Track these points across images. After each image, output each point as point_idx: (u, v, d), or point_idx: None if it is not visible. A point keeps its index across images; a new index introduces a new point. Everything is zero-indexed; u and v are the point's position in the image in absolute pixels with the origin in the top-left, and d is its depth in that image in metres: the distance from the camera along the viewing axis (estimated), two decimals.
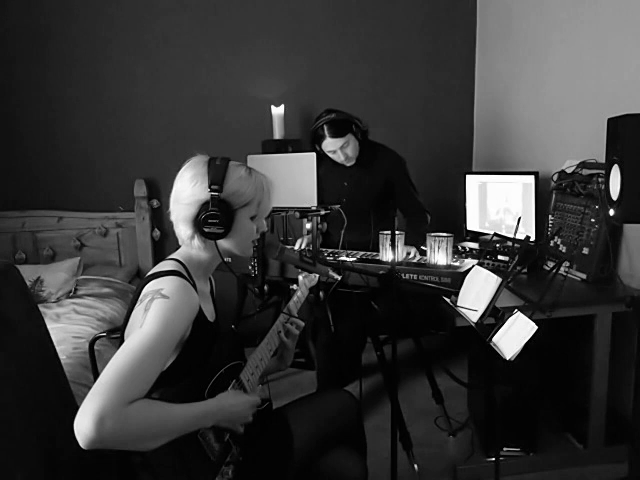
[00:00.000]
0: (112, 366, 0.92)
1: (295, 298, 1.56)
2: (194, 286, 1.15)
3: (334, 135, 2.27)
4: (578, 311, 1.98)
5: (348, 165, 2.40)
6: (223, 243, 1.20)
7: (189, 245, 1.21)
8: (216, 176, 1.16)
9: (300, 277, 1.65)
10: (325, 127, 2.28)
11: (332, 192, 2.43)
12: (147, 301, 1.04)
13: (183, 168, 1.21)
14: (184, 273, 1.15)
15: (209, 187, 1.15)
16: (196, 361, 1.13)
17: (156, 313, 1.01)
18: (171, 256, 1.22)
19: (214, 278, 1.38)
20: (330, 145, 2.30)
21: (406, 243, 2.15)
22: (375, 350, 2.13)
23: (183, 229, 1.20)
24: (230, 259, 1.72)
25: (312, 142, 2.36)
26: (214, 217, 1.15)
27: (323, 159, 2.41)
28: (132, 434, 0.89)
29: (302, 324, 1.46)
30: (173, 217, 1.21)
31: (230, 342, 1.28)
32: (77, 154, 3.18)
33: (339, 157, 2.34)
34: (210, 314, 1.25)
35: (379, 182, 2.41)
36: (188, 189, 1.17)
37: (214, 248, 1.20)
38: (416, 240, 2.21)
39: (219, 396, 1.12)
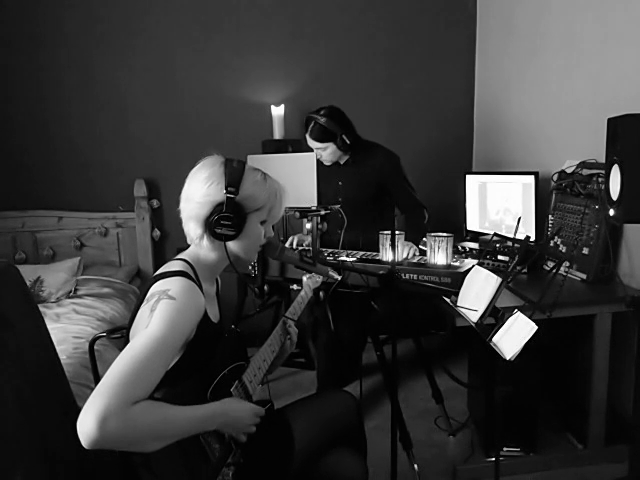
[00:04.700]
0: (116, 366, 0.92)
1: (299, 299, 1.56)
2: (200, 287, 1.15)
3: (315, 138, 2.32)
4: (578, 311, 1.98)
5: (326, 164, 2.42)
6: (231, 245, 1.20)
7: (198, 245, 1.21)
8: (233, 178, 1.15)
9: (304, 278, 1.65)
10: (310, 125, 2.31)
11: (327, 191, 2.44)
12: (153, 301, 1.04)
13: (197, 167, 1.20)
14: (191, 274, 1.15)
15: (225, 189, 1.14)
16: (200, 362, 1.13)
17: (162, 314, 1.01)
18: (179, 256, 1.22)
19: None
20: (308, 140, 2.37)
21: (405, 239, 2.15)
22: (375, 350, 2.13)
23: (193, 227, 1.19)
24: None
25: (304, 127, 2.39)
26: (226, 219, 1.14)
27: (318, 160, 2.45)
28: (135, 435, 0.89)
29: (296, 330, 1.46)
30: (184, 215, 1.20)
31: (233, 343, 1.28)
32: (77, 154, 3.18)
33: (316, 154, 2.35)
34: (214, 316, 1.25)
35: (373, 180, 2.41)
36: (203, 188, 1.16)
37: (222, 249, 1.19)
38: (415, 236, 2.21)
39: (223, 400, 1.11)
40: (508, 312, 1.29)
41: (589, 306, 1.98)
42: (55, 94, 3.12)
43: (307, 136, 2.34)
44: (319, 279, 1.69)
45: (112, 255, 3.24)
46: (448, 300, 1.49)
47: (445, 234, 1.94)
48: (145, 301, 1.07)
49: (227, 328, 1.32)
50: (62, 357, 1.44)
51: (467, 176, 2.86)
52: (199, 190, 1.16)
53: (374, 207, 2.46)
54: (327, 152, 2.35)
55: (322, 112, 2.30)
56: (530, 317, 1.21)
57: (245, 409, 1.14)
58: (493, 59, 3.26)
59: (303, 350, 2.94)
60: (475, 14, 3.40)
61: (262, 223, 1.23)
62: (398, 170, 2.45)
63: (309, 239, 2.20)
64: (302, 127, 2.39)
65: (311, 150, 2.41)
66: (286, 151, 2.91)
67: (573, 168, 2.27)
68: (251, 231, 1.20)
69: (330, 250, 2.24)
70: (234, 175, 1.16)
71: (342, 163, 2.45)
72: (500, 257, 2.27)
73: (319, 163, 2.46)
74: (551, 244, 2.33)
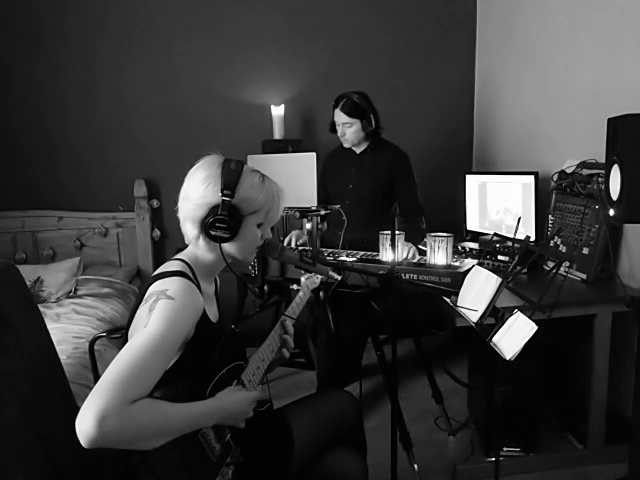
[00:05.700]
0: (115, 365, 0.92)
1: (297, 299, 1.56)
2: (199, 287, 1.15)
3: (344, 111, 2.39)
4: (578, 311, 1.98)
5: (346, 146, 2.49)
6: (227, 247, 1.20)
7: (195, 245, 1.21)
8: (229, 180, 1.15)
9: (303, 279, 1.65)
10: (343, 100, 2.39)
11: (340, 177, 2.51)
12: (152, 301, 1.04)
13: (196, 166, 1.20)
14: (189, 274, 1.15)
15: (221, 191, 1.14)
16: (199, 361, 1.13)
17: (161, 313, 1.01)
18: (177, 256, 1.22)
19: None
20: (336, 115, 2.43)
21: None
22: (375, 350, 2.13)
23: (190, 228, 1.19)
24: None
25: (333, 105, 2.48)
26: (222, 221, 1.14)
27: (337, 146, 2.57)
28: (134, 433, 0.90)
29: (292, 331, 1.45)
30: (181, 214, 1.21)
31: (232, 343, 1.28)
32: (77, 154, 3.18)
33: (338, 130, 2.45)
34: (213, 315, 1.25)
35: (383, 175, 2.46)
36: (200, 189, 1.16)
37: (218, 250, 1.20)
38: (412, 238, 2.21)
39: (219, 394, 1.12)
40: (508, 312, 1.29)
41: (589, 306, 1.98)
42: (55, 94, 3.12)
43: (337, 111, 2.41)
44: (317, 280, 1.69)
45: (112, 255, 3.24)
46: (448, 300, 1.49)
47: (445, 234, 1.94)
48: (144, 301, 1.07)
49: (226, 328, 1.32)
50: (62, 357, 1.44)
51: (467, 176, 2.86)
52: (196, 191, 1.16)
53: (381, 204, 2.49)
54: (351, 130, 2.41)
55: (355, 91, 2.41)
56: (530, 317, 1.21)
57: (240, 399, 1.14)
58: (493, 59, 3.26)
59: (303, 350, 2.93)
60: (475, 14, 3.41)
61: (259, 226, 1.23)
62: (407, 167, 2.50)
63: (306, 237, 2.21)
64: (332, 104, 2.43)
65: (332, 132, 2.47)
66: (286, 151, 2.91)
67: (573, 168, 2.27)
68: (247, 233, 1.20)
69: (330, 250, 2.24)
70: (231, 177, 1.15)
71: (358, 153, 2.51)
72: (500, 257, 2.27)
73: (337, 149, 2.58)
74: (551, 244, 2.33)
